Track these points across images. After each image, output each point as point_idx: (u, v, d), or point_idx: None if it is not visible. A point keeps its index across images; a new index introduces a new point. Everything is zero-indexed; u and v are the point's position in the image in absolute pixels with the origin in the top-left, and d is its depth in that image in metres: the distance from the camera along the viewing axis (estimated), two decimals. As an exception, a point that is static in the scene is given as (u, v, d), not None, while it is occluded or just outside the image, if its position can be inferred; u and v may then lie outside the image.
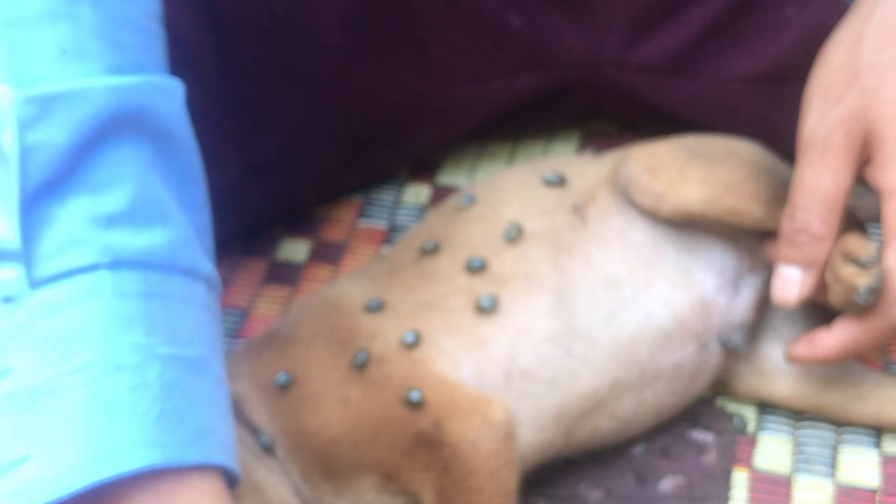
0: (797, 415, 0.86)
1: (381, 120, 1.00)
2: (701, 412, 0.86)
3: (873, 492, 0.81)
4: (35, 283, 0.61)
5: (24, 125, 0.61)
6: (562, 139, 1.07)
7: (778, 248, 0.79)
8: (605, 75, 1.01)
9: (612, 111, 1.05)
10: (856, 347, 0.78)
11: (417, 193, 1.03)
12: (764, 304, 0.84)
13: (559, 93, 1.02)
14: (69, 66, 0.63)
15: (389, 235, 1.00)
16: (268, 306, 0.95)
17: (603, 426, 0.80)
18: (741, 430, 0.85)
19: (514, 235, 0.80)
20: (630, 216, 0.82)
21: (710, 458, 0.83)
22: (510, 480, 0.75)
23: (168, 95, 0.66)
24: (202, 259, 0.66)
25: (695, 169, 0.81)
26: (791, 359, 0.81)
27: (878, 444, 0.84)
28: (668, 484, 0.82)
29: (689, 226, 0.82)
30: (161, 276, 0.63)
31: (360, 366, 0.76)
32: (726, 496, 0.81)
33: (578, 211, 0.81)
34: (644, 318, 0.79)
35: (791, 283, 0.78)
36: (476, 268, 0.79)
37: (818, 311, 0.83)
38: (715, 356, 0.83)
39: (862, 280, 0.75)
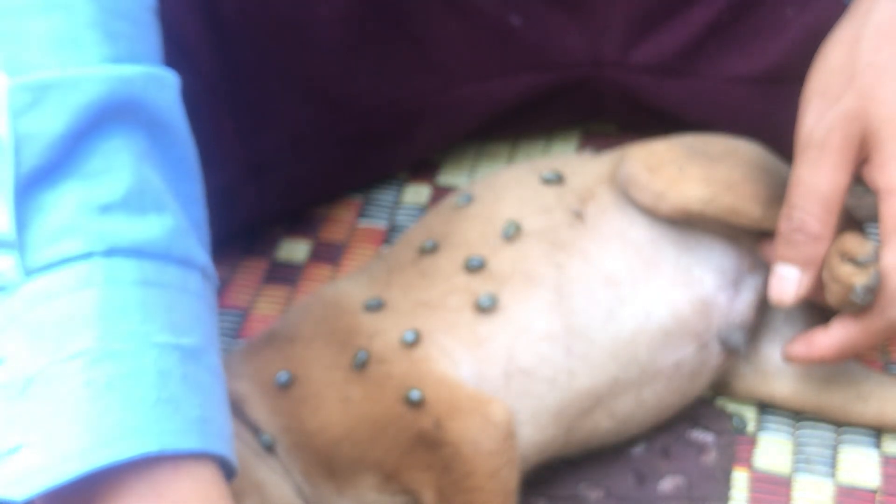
0: (797, 415, 0.86)
1: (381, 120, 1.00)
2: (701, 412, 0.86)
3: (873, 492, 0.81)
4: (29, 271, 0.60)
5: (18, 112, 0.61)
6: (562, 139, 1.07)
7: (775, 247, 0.79)
8: (604, 75, 1.01)
9: (612, 111, 1.05)
10: (853, 347, 0.78)
11: (417, 193, 1.03)
12: (764, 305, 0.84)
13: (559, 93, 1.02)
14: (63, 56, 0.63)
15: (389, 235, 1.00)
16: (268, 306, 0.95)
17: (602, 425, 0.80)
18: (741, 430, 0.85)
19: (513, 234, 0.80)
20: (629, 214, 0.82)
21: (710, 458, 0.83)
22: (510, 480, 0.75)
23: (163, 87, 0.66)
24: (198, 249, 0.66)
25: (694, 167, 0.81)
26: (788, 358, 0.81)
27: (878, 444, 0.84)
28: (668, 484, 0.82)
29: (688, 225, 0.82)
30: (156, 265, 0.63)
31: (361, 365, 0.76)
32: (726, 496, 0.81)
33: (578, 212, 0.81)
34: (643, 317, 0.79)
35: (788, 283, 0.78)
36: (475, 267, 0.79)
37: (819, 311, 0.83)
38: (715, 356, 0.83)
39: (859, 279, 0.75)
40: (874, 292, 0.75)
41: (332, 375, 0.76)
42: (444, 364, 0.76)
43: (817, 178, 0.77)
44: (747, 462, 0.83)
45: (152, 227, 0.63)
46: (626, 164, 0.82)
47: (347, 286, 0.82)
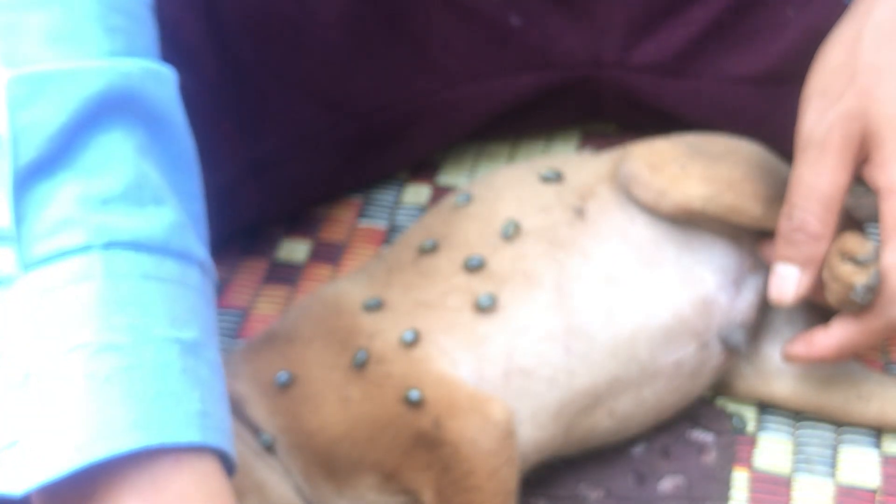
0: (797, 415, 0.86)
1: (381, 120, 1.00)
2: (701, 412, 0.86)
3: (873, 492, 0.81)
4: (27, 265, 0.60)
5: (17, 105, 0.61)
6: (562, 139, 1.07)
7: (775, 246, 0.79)
8: (604, 75, 1.01)
9: (612, 111, 1.05)
10: (853, 347, 0.78)
11: (417, 193, 1.03)
12: (765, 304, 0.84)
13: (559, 93, 1.02)
14: (62, 49, 0.62)
15: (389, 235, 1.00)
16: (268, 306, 0.95)
17: (602, 424, 0.80)
18: (741, 430, 0.85)
19: (512, 233, 0.80)
20: (630, 213, 0.82)
21: (710, 458, 0.83)
22: (510, 479, 0.75)
23: (161, 82, 0.66)
24: (196, 244, 0.65)
25: (696, 166, 0.81)
26: (789, 358, 0.81)
27: (878, 444, 0.84)
28: (668, 484, 0.82)
29: (689, 223, 0.82)
30: (155, 259, 0.62)
31: (360, 365, 0.76)
32: (726, 496, 0.81)
33: (578, 210, 0.81)
34: (644, 316, 0.79)
35: (788, 282, 0.78)
36: (474, 266, 0.79)
37: (819, 311, 0.83)
38: (715, 355, 0.83)
39: (859, 278, 0.75)
40: (874, 291, 0.76)
41: (332, 375, 0.76)
42: (444, 364, 0.76)
43: (818, 178, 0.77)
44: (747, 462, 0.83)
45: (151, 220, 0.63)
46: (628, 163, 0.82)
47: (347, 286, 0.82)
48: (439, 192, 1.03)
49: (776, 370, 0.85)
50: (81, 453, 0.57)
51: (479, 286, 0.78)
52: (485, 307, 0.77)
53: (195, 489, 0.60)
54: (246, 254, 0.99)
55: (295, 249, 1.00)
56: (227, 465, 0.64)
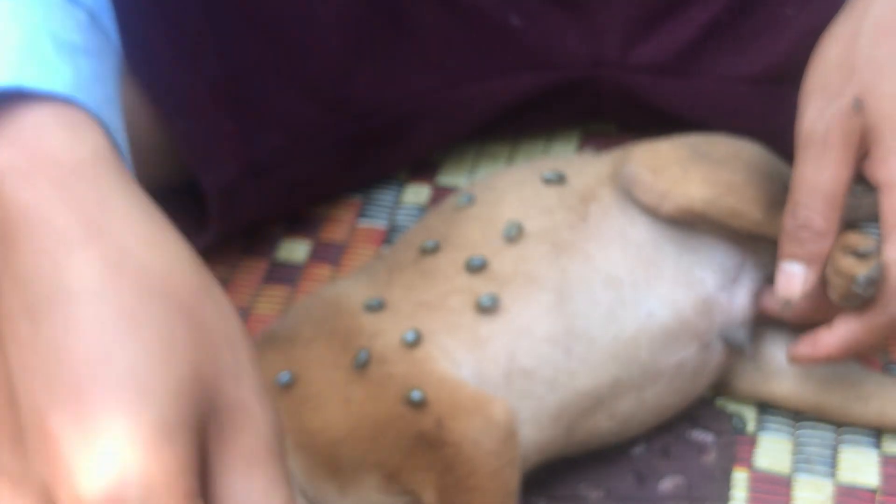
0: (797, 415, 0.86)
1: (381, 120, 1.00)
2: (701, 412, 0.86)
3: (873, 492, 0.81)
4: None
5: None
6: (562, 139, 1.07)
7: (780, 244, 0.79)
8: (604, 75, 1.01)
9: (612, 111, 1.05)
10: (857, 344, 0.78)
11: (417, 193, 1.03)
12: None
13: (559, 93, 1.02)
14: None
15: (389, 235, 1.00)
16: (268, 306, 0.95)
17: (603, 425, 0.80)
18: (741, 430, 0.85)
19: (514, 234, 0.80)
20: (631, 214, 0.82)
21: (710, 458, 0.83)
22: (512, 480, 0.75)
23: None
24: None
25: (698, 168, 0.81)
26: (794, 359, 0.80)
27: (878, 444, 0.84)
28: (668, 484, 0.82)
29: (689, 226, 0.82)
30: None
31: (362, 365, 0.76)
32: (726, 496, 0.81)
33: (580, 212, 0.81)
34: (645, 318, 0.79)
35: (794, 280, 0.78)
36: (476, 267, 0.79)
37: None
38: (717, 355, 0.83)
39: (861, 270, 0.75)
40: (876, 284, 0.76)
41: (333, 376, 0.76)
42: (445, 364, 0.76)
43: (820, 175, 0.77)
44: (747, 462, 0.83)
45: None
46: (629, 164, 0.82)
47: (348, 286, 0.82)
48: (439, 192, 1.03)
49: (776, 370, 0.85)
50: None
51: (481, 287, 0.78)
52: (486, 308, 0.77)
53: (64, 135, 0.56)
54: (246, 254, 0.99)
55: (295, 249, 1.00)
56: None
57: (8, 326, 0.54)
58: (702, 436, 0.85)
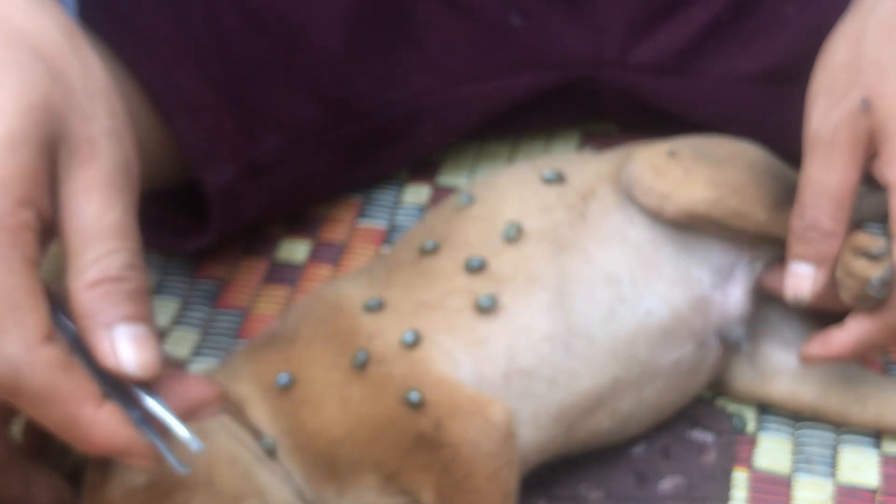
0: (797, 415, 0.85)
1: (381, 120, 1.00)
2: (701, 412, 0.86)
3: (873, 492, 0.81)
4: None
5: None
6: (562, 139, 1.07)
7: (789, 245, 0.79)
8: (605, 75, 1.01)
9: (613, 111, 1.05)
10: (869, 343, 0.78)
11: (417, 193, 1.03)
12: (760, 297, 0.84)
13: (559, 93, 1.02)
14: None
15: (389, 235, 1.00)
16: (268, 306, 0.95)
17: (603, 425, 0.80)
18: (741, 430, 0.85)
19: (514, 234, 0.80)
20: (630, 214, 0.82)
21: (710, 458, 0.83)
22: (510, 481, 0.75)
23: None
24: None
25: (700, 170, 0.81)
26: (806, 359, 0.80)
27: (878, 444, 0.84)
28: (668, 484, 0.82)
29: (690, 227, 0.82)
30: None
31: (361, 366, 0.76)
32: (726, 496, 0.81)
33: (580, 211, 0.81)
34: (644, 316, 0.79)
35: (804, 280, 0.78)
36: (475, 267, 0.79)
37: (817, 312, 0.83)
38: (713, 353, 0.83)
39: (874, 272, 0.75)
40: (890, 285, 0.76)
41: (333, 376, 0.76)
42: (445, 365, 0.76)
43: (828, 176, 0.76)
44: (747, 462, 0.83)
45: None
46: (631, 166, 0.82)
47: (347, 286, 0.82)
48: (439, 192, 1.03)
49: (774, 371, 0.85)
50: None
51: (480, 287, 0.78)
52: (485, 308, 0.77)
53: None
54: (246, 254, 0.99)
55: (295, 249, 1.00)
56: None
57: None
58: (702, 436, 0.85)
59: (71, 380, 0.61)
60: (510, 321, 0.77)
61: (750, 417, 0.86)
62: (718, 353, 0.83)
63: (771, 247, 0.82)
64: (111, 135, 0.64)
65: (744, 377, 0.85)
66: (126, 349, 0.62)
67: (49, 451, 0.79)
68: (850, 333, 0.78)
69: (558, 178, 0.83)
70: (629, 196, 0.82)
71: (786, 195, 0.80)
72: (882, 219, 0.78)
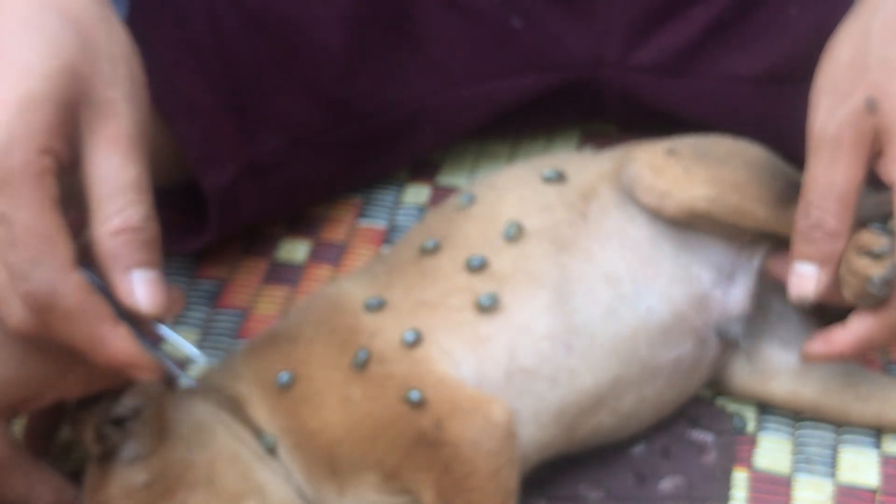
0: (797, 415, 0.86)
1: (382, 121, 1.00)
2: (701, 412, 0.86)
3: (873, 492, 0.81)
4: None
5: None
6: (562, 139, 1.07)
7: (793, 245, 0.79)
8: (605, 76, 1.01)
9: (613, 112, 1.05)
10: (872, 342, 0.78)
11: (417, 193, 1.03)
12: (760, 294, 0.84)
13: (560, 94, 1.02)
14: None
15: (389, 235, 1.00)
16: (268, 306, 0.95)
17: (604, 423, 0.80)
18: (741, 430, 0.85)
19: (514, 233, 0.80)
20: (630, 212, 0.82)
21: (710, 458, 0.83)
22: (511, 480, 0.75)
23: None
24: None
25: (700, 168, 0.81)
26: (808, 357, 0.80)
27: (878, 444, 0.84)
28: (668, 484, 0.82)
29: (689, 224, 0.82)
30: None
31: (361, 365, 0.76)
32: (726, 496, 0.81)
33: (580, 210, 0.81)
34: (644, 314, 0.79)
35: (808, 280, 0.78)
36: (476, 266, 0.79)
37: (816, 310, 0.83)
38: (712, 350, 0.83)
39: (876, 271, 0.75)
40: (892, 284, 0.76)
41: (333, 375, 0.76)
42: (445, 364, 0.76)
43: (832, 175, 0.76)
44: (747, 462, 0.83)
45: None
46: (631, 165, 0.82)
47: (348, 286, 0.82)
48: (439, 192, 1.03)
49: (775, 370, 0.85)
50: None
51: (481, 286, 0.78)
52: (486, 307, 0.77)
53: None
54: (246, 254, 0.99)
55: (295, 249, 1.00)
56: None
57: None
58: (702, 436, 0.85)
59: (94, 301, 0.69)
60: (511, 320, 0.78)
61: (750, 417, 0.86)
62: (718, 350, 0.83)
63: (771, 245, 0.82)
64: (130, 98, 0.71)
65: (744, 376, 0.85)
66: (141, 290, 0.70)
67: (51, 450, 0.80)
68: (852, 332, 0.78)
69: (558, 178, 0.83)
70: (629, 195, 0.82)
71: (787, 192, 0.80)
72: (885, 218, 0.78)
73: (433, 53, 1.00)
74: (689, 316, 0.81)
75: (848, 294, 0.77)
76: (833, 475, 0.82)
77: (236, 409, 0.77)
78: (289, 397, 0.77)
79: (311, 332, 0.79)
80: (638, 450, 0.84)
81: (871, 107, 0.75)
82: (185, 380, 0.73)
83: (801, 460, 0.83)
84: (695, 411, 0.85)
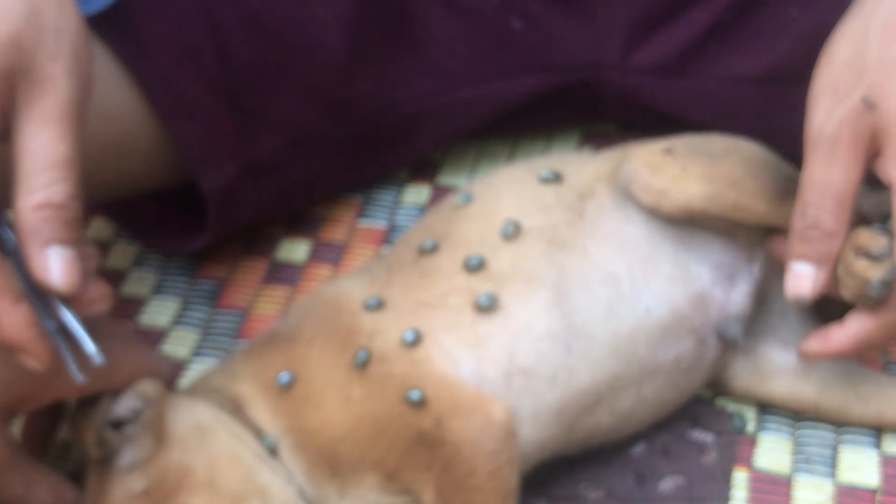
0: (797, 415, 0.85)
1: (382, 122, 1.00)
2: (701, 412, 0.86)
3: (873, 492, 0.81)
4: None
5: None
6: (562, 139, 1.07)
7: (790, 245, 0.79)
8: (605, 77, 1.01)
9: (613, 113, 1.05)
10: (869, 341, 0.78)
11: (417, 193, 1.04)
12: (760, 295, 0.84)
13: (560, 95, 1.02)
14: None
15: (389, 235, 1.00)
16: (268, 306, 0.95)
17: (603, 422, 0.80)
18: (741, 430, 0.85)
19: (512, 233, 0.80)
20: (627, 212, 0.82)
21: (710, 458, 0.83)
22: (511, 479, 0.75)
23: None
24: None
25: (697, 165, 0.81)
26: (805, 355, 0.80)
27: (878, 444, 0.84)
28: (668, 484, 0.82)
29: (689, 222, 0.82)
30: None
31: (361, 364, 0.76)
32: (726, 496, 0.81)
33: (577, 210, 0.81)
34: (643, 313, 0.79)
35: (804, 280, 0.78)
36: (474, 266, 0.79)
37: (816, 309, 0.83)
38: (712, 350, 0.83)
39: (875, 273, 0.75)
40: (890, 286, 0.76)
41: (333, 375, 0.76)
42: (445, 364, 0.76)
43: (830, 175, 0.76)
44: (747, 462, 0.83)
45: None
46: (628, 164, 0.82)
47: (348, 285, 0.82)
48: (439, 192, 1.03)
49: (774, 370, 0.85)
50: None
51: (480, 286, 0.78)
52: (485, 307, 0.77)
53: None
54: (246, 254, 0.99)
55: (295, 249, 1.00)
56: None
57: None
58: (702, 436, 0.85)
59: None
60: (510, 320, 0.78)
61: (750, 417, 0.86)
62: (717, 350, 0.83)
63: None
64: (72, 74, 0.70)
65: (743, 377, 0.85)
66: (56, 267, 0.69)
67: (49, 451, 0.79)
68: (849, 331, 0.78)
69: (555, 178, 0.83)
70: (627, 194, 0.82)
71: (785, 185, 0.80)
72: (884, 218, 0.78)
73: (433, 54, 1.00)
74: (688, 315, 0.81)
75: (846, 294, 0.77)
76: (833, 475, 0.82)
77: (237, 409, 0.77)
78: (289, 397, 0.77)
79: (311, 332, 0.79)
80: (638, 450, 0.84)
81: (869, 105, 0.75)
82: (78, 375, 0.70)
83: (801, 460, 0.83)
84: (695, 411, 0.85)
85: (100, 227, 1.02)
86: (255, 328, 0.93)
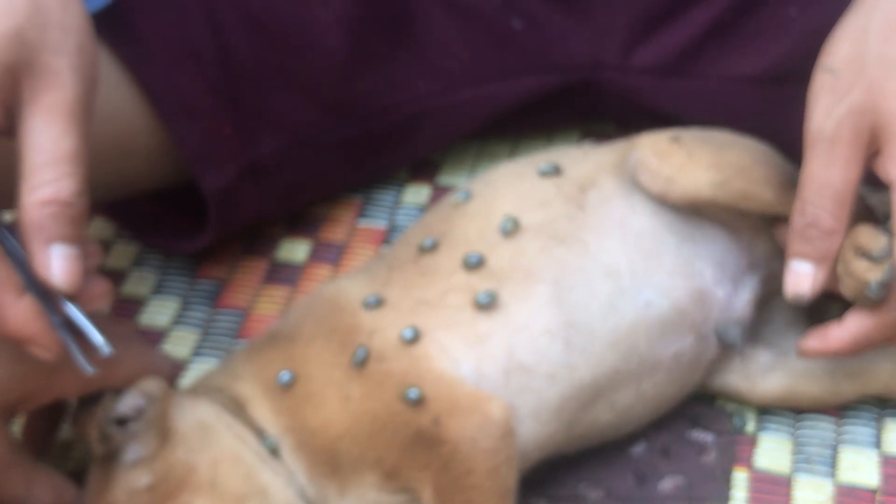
0: (797, 415, 0.86)
1: (382, 122, 1.00)
2: (701, 412, 0.86)
3: (873, 492, 0.81)
4: None
5: None
6: (562, 139, 1.07)
7: (789, 243, 0.79)
8: (606, 77, 1.01)
9: (613, 113, 1.05)
10: (867, 340, 0.78)
11: (417, 193, 1.04)
12: (761, 304, 0.84)
13: (560, 95, 1.03)
14: None
15: (389, 235, 1.00)
16: (268, 306, 0.95)
17: (603, 418, 0.80)
18: (741, 430, 0.85)
19: (511, 229, 0.80)
20: (632, 203, 0.81)
21: (710, 458, 0.83)
22: (509, 478, 0.75)
23: None
24: None
25: (705, 153, 0.81)
26: (803, 353, 0.80)
27: (878, 444, 0.84)
28: (668, 484, 0.82)
29: (693, 214, 0.82)
30: None
31: (360, 363, 0.76)
32: (726, 496, 0.81)
33: (578, 201, 0.81)
34: (643, 307, 0.79)
35: (804, 279, 0.78)
36: (473, 264, 0.79)
37: (807, 311, 0.83)
38: (712, 348, 0.83)
39: (873, 275, 0.76)
40: (888, 287, 0.76)
41: (333, 373, 0.76)
42: (444, 362, 0.76)
43: (829, 173, 0.76)
44: (747, 462, 0.83)
45: None
46: (636, 151, 0.82)
47: (347, 284, 0.82)
48: (439, 192, 1.03)
49: (762, 370, 0.84)
50: None
51: (479, 284, 0.78)
52: (484, 305, 0.77)
53: None
54: (246, 254, 0.99)
55: (295, 249, 1.00)
56: None
57: None
58: (702, 436, 0.85)
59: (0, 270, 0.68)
60: (509, 318, 0.78)
61: (750, 417, 0.86)
62: (717, 349, 0.83)
63: (775, 253, 0.83)
64: (76, 69, 0.70)
65: (737, 383, 0.85)
66: (58, 264, 0.68)
67: (50, 450, 0.80)
68: (847, 330, 0.78)
69: (555, 171, 0.83)
70: (634, 182, 0.81)
71: (792, 175, 0.80)
72: (884, 217, 0.78)
73: (433, 55, 1.00)
74: (689, 310, 0.81)
75: (845, 292, 0.78)
76: (833, 475, 0.82)
77: (238, 409, 0.77)
78: (290, 397, 0.77)
79: (311, 331, 0.79)
80: (638, 449, 0.84)
81: (829, 70, 0.75)
82: (87, 367, 0.70)
83: (801, 460, 0.83)
84: (695, 411, 0.85)
85: (100, 227, 1.02)
86: (255, 328, 0.93)
